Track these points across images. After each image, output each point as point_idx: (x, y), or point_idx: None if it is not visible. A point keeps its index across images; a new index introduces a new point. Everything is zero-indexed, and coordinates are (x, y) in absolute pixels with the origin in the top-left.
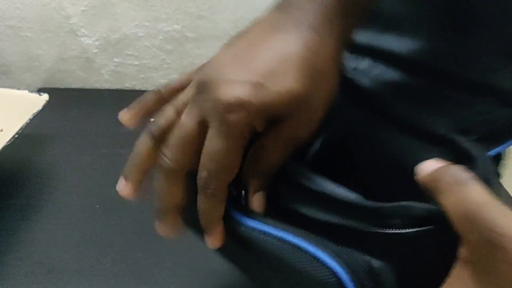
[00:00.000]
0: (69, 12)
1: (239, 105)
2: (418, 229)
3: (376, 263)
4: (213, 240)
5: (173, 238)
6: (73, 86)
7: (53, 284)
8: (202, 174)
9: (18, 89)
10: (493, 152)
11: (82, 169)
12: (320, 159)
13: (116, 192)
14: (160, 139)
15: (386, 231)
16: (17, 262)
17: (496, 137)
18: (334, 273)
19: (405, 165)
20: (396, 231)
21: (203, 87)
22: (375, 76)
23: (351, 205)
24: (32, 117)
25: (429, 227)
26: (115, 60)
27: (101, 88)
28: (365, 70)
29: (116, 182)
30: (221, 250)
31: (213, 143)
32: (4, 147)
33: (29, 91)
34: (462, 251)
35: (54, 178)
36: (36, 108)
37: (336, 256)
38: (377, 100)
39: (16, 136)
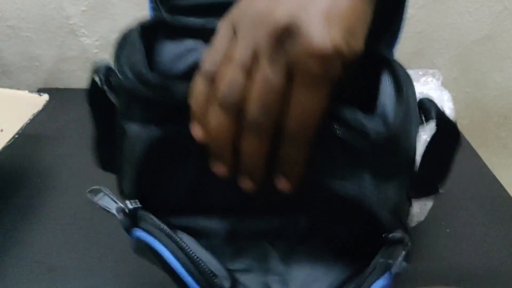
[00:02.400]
0: (69, 12)
1: (338, 55)
2: None
3: None
4: (286, 184)
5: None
6: (73, 86)
7: (53, 284)
8: (291, 124)
9: (18, 89)
10: None
11: (82, 169)
12: None
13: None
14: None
15: None
16: (17, 262)
17: None
18: None
19: None
20: None
21: (285, 33)
22: None
23: None
24: (32, 117)
25: None
26: None
27: None
28: None
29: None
30: None
31: (306, 95)
32: (4, 147)
33: (29, 91)
34: None
35: (54, 178)
36: (36, 108)
37: None
38: None
39: (16, 136)
